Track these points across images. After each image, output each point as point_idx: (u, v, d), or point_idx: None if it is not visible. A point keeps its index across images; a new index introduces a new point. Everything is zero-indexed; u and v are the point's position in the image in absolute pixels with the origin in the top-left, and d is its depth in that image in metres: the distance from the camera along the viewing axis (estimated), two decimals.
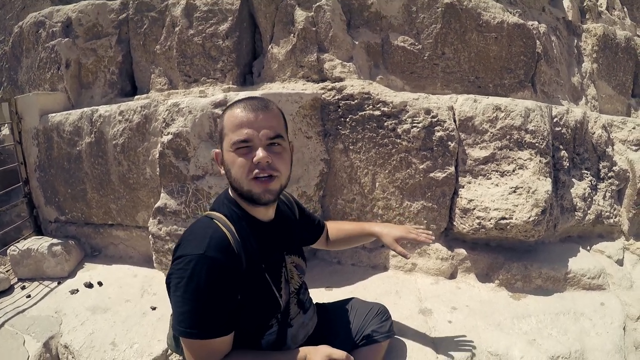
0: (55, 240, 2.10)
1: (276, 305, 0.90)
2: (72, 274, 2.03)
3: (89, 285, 1.89)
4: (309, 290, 1.12)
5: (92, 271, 2.05)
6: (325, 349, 0.85)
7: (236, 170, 0.80)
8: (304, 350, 0.87)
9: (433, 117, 1.72)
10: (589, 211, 1.96)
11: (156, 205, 1.77)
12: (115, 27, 2.26)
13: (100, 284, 1.91)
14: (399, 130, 1.73)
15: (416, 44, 2.06)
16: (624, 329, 1.51)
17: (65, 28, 2.27)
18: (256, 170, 0.79)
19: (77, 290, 1.86)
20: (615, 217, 2.04)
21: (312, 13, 1.96)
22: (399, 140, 1.74)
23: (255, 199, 0.82)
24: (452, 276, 1.80)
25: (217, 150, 0.88)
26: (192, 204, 1.71)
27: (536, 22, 2.26)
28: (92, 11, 2.26)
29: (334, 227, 1.29)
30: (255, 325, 0.89)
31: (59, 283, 1.96)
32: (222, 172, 0.87)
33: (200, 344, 0.77)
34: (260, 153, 0.78)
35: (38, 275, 2.02)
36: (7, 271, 2.09)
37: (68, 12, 2.28)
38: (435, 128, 1.72)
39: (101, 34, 2.27)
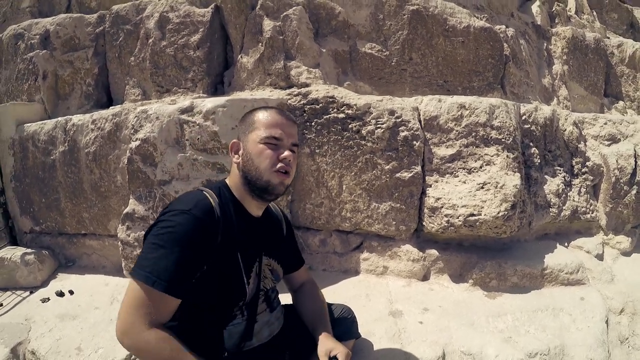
0: (28, 250, 2.09)
1: (242, 291, 0.91)
2: (45, 284, 2.02)
3: (60, 294, 1.88)
4: (279, 295, 1.13)
5: (64, 281, 2.04)
6: None
7: (262, 160, 0.89)
8: None
9: (397, 117, 1.74)
10: (564, 207, 1.94)
11: (125, 211, 1.77)
12: (92, 40, 2.32)
13: (71, 292, 1.90)
14: (363, 131, 1.75)
15: (384, 50, 2.11)
16: (606, 322, 1.48)
17: (44, 40, 2.32)
18: (280, 165, 0.90)
19: (48, 299, 1.85)
20: (592, 213, 2.02)
21: (280, 22, 2.01)
22: (363, 142, 1.75)
23: (270, 189, 0.91)
24: (425, 278, 1.77)
25: (236, 140, 0.96)
26: (159, 209, 1.71)
27: (503, 26, 2.31)
28: (70, 24, 2.32)
29: (310, 293, 1.14)
30: (218, 308, 0.89)
31: (31, 292, 1.95)
32: (235, 160, 0.94)
33: (149, 293, 0.76)
34: (287, 152, 0.91)
35: (11, 284, 2.01)
36: None
37: (46, 25, 2.33)
38: (400, 128, 1.74)
39: (78, 47, 2.33)
